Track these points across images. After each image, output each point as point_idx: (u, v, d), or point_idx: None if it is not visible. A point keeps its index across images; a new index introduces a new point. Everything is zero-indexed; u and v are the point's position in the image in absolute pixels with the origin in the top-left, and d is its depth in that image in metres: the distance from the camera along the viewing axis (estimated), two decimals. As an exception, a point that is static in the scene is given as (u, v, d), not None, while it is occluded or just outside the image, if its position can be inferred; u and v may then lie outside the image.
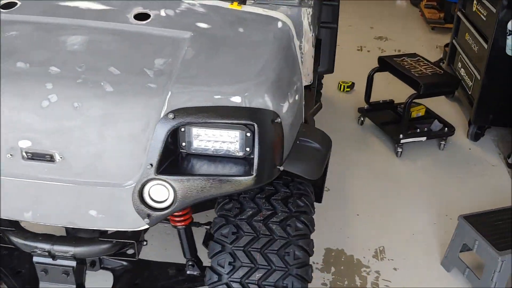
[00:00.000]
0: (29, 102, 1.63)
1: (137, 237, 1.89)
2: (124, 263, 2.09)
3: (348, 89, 4.69)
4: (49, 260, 1.85)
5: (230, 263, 1.75)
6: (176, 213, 1.94)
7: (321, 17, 3.63)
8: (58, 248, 1.84)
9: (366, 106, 4.15)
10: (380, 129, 3.99)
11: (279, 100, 1.73)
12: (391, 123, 3.97)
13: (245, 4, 1.95)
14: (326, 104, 4.47)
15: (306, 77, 3.01)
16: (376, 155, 3.80)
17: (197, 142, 1.70)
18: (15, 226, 1.90)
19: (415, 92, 3.64)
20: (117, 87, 1.65)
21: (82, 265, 1.92)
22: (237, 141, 1.69)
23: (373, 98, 4.22)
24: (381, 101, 4.18)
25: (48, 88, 1.63)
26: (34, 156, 1.66)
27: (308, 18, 2.88)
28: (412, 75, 3.70)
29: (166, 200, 1.67)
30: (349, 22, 6.38)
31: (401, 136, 3.72)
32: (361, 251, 2.90)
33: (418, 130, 3.80)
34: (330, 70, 3.74)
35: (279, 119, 1.69)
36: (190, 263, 2.03)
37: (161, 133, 1.61)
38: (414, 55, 4.06)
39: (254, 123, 1.63)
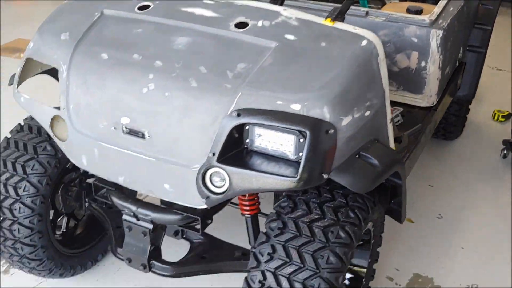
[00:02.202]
0: (133, 87, 1.99)
1: (204, 215, 2.15)
2: (201, 237, 2.37)
3: (503, 119, 4.41)
4: (133, 220, 2.21)
5: (269, 254, 1.91)
6: (244, 202, 2.18)
7: (468, 39, 3.53)
8: (141, 211, 2.19)
9: (511, 138, 3.89)
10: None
11: (340, 113, 1.84)
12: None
13: (340, 21, 2.08)
14: (473, 132, 4.28)
15: (428, 99, 3.01)
16: (507, 192, 3.55)
17: (258, 140, 1.90)
18: (115, 187, 2.30)
19: None
20: (200, 84, 1.92)
21: (160, 230, 2.25)
22: (291, 145, 1.85)
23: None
24: (531, 136, 3.88)
25: (149, 78, 1.97)
26: (131, 132, 2.02)
27: (437, 40, 2.88)
28: None
29: (223, 186, 1.91)
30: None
31: (539, 177, 3.44)
32: (451, 284, 2.80)
33: (563, 173, 3.46)
34: (471, 96, 3.62)
35: (333, 131, 1.81)
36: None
37: (225, 128, 1.85)
38: None
39: (307, 131, 1.78)
